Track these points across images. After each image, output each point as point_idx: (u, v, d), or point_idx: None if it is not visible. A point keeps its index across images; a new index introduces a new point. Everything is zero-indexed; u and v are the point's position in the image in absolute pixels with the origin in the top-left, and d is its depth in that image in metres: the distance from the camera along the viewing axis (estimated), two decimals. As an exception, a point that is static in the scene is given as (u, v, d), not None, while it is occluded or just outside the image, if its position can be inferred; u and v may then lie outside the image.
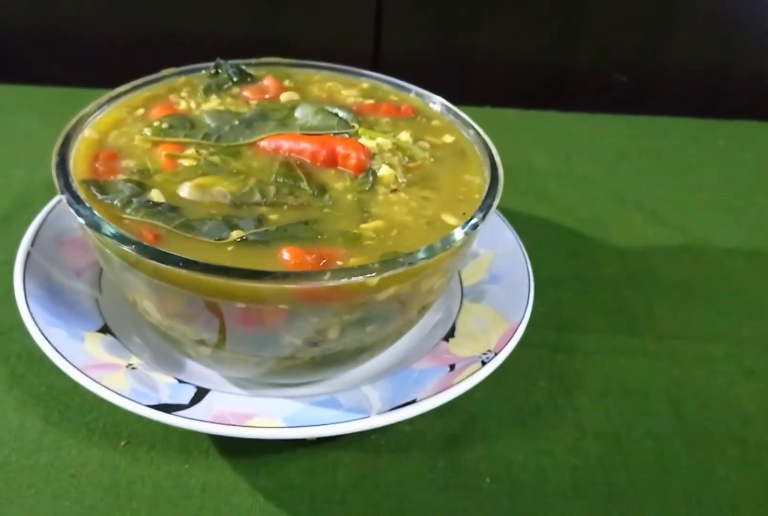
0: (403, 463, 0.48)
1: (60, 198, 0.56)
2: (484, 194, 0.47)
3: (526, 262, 0.56)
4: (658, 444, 0.51)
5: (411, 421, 0.51)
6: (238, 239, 0.42)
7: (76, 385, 0.50)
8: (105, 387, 0.44)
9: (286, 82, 0.57)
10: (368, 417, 0.44)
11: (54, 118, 0.77)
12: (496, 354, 0.48)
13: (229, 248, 0.41)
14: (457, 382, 0.46)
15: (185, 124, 0.50)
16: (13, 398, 0.50)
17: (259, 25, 0.90)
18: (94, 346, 0.48)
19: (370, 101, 0.56)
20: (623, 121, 0.90)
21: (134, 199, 0.43)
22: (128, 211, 0.43)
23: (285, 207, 0.45)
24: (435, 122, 0.54)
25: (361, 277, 0.40)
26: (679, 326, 0.61)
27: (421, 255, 0.41)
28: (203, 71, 0.57)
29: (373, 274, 0.40)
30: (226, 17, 0.89)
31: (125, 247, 0.40)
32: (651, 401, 0.54)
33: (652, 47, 0.94)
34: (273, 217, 0.44)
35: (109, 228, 0.40)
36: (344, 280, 0.39)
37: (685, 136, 0.88)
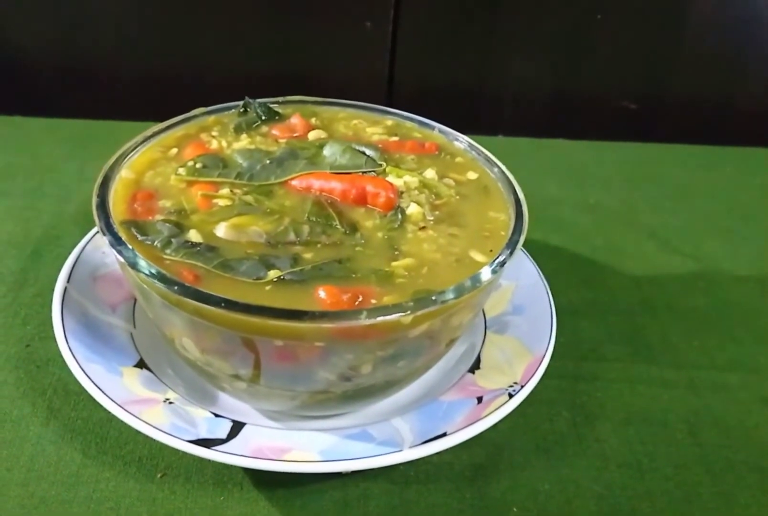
0: (432, 494, 0.50)
1: (94, 233, 0.58)
2: (510, 231, 0.48)
3: (548, 293, 0.58)
4: (679, 472, 0.53)
5: (438, 453, 0.52)
6: (275, 279, 0.43)
7: (111, 418, 0.52)
8: (146, 423, 0.45)
9: (313, 120, 0.58)
10: (401, 451, 0.45)
11: (79, 151, 0.80)
12: (522, 386, 0.50)
13: (267, 288, 0.43)
14: (486, 415, 0.48)
15: (218, 163, 0.52)
16: (52, 432, 0.51)
17: (276, 62, 0.92)
18: (132, 381, 0.49)
19: (395, 138, 0.57)
20: (632, 149, 0.92)
21: (173, 240, 0.45)
22: (168, 251, 0.44)
23: (318, 245, 0.46)
24: (459, 159, 0.56)
25: (395, 316, 0.41)
26: (695, 354, 0.62)
27: (452, 294, 0.42)
28: (232, 110, 0.58)
29: (408, 312, 0.41)
30: (244, 54, 0.91)
31: (167, 288, 0.41)
32: (671, 430, 0.56)
33: (660, 75, 0.96)
34: (307, 255, 0.45)
35: (151, 269, 0.42)
36: (380, 319, 0.41)
37: (694, 163, 0.90)
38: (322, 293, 0.42)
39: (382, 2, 0.88)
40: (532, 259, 0.61)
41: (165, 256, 0.44)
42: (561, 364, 0.59)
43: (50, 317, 0.53)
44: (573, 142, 0.92)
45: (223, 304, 0.40)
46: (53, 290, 0.54)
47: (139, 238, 0.45)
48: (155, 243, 0.45)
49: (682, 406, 0.58)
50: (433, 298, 0.42)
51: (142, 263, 0.42)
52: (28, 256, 0.65)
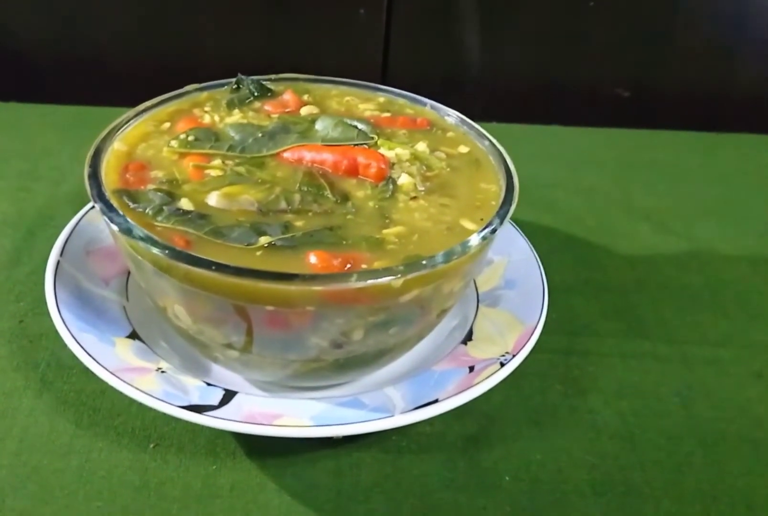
0: (424, 463, 0.50)
1: (88, 209, 0.58)
2: (500, 201, 0.49)
3: (540, 268, 0.58)
4: (671, 444, 0.53)
5: (431, 423, 0.52)
6: (266, 245, 0.43)
7: (104, 390, 0.52)
8: (137, 389, 0.45)
9: (306, 97, 0.59)
10: (393, 416, 0.45)
11: (73, 135, 0.81)
12: (514, 355, 0.50)
13: (258, 253, 0.43)
14: (477, 383, 0.48)
15: (210, 136, 0.52)
16: (44, 404, 0.51)
17: (269, 49, 0.92)
18: (125, 351, 0.49)
19: (387, 114, 0.57)
20: (626, 135, 0.92)
21: (165, 208, 0.45)
22: (159, 218, 0.45)
23: (310, 214, 0.46)
24: (450, 134, 0.56)
25: (386, 279, 0.41)
26: (688, 330, 0.62)
27: (442, 258, 0.43)
28: (225, 87, 0.58)
29: (398, 275, 0.41)
30: (238, 41, 0.91)
31: (158, 252, 0.41)
32: (663, 403, 0.56)
33: (653, 63, 0.96)
34: (298, 223, 0.45)
35: (142, 234, 0.42)
36: (370, 282, 0.41)
37: (688, 148, 0.90)
38: (313, 258, 0.43)
39: (376, -11, 0.88)
40: (524, 235, 0.61)
41: (156, 223, 0.44)
42: (553, 339, 0.59)
43: (44, 294, 0.53)
44: (566, 128, 0.92)
45: (213, 268, 0.40)
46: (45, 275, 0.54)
47: (131, 205, 0.45)
48: (147, 210, 0.45)
49: (675, 379, 0.58)
50: (424, 262, 0.42)
51: (134, 228, 0.42)
52: (22, 235, 0.65)
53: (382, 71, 0.94)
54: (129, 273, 0.57)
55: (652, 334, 0.62)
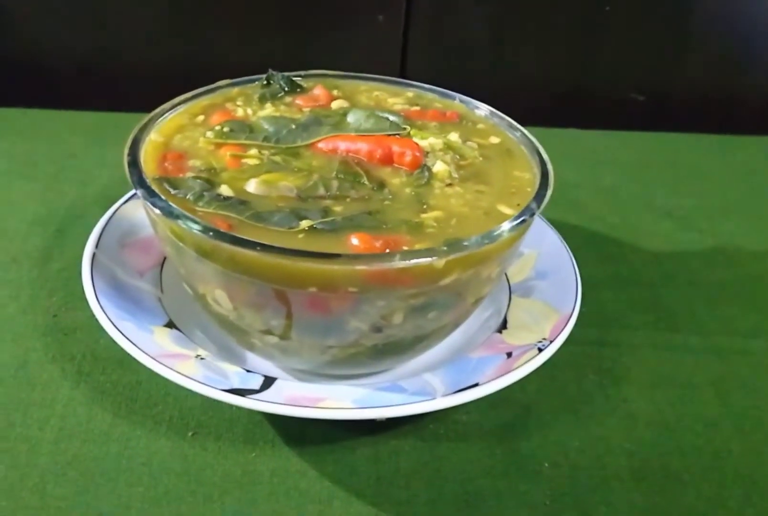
0: (463, 451, 0.50)
1: (121, 204, 0.59)
2: (536, 188, 0.49)
3: (571, 259, 0.58)
4: (708, 430, 0.53)
5: (467, 412, 0.52)
6: (307, 228, 0.44)
7: (141, 381, 0.53)
8: (180, 373, 0.45)
9: (335, 92, 0.59)
10: (434, 399, 0.45)
11: (97, 140, 0.81)
12: (551, 341, 0.50)
13: (300, 236, 0.43)
14: (517, 367, 0.48)
15: (245, 128, 0.52)
16: (81, 394, 0.51)
17: (288, 56, 0.93)
18: (163, 339, 0.49)
19: (416, 108, 0.58)
20: (644, 138, 0.93)
21: (205, 193, 0.45)
22: (200, 204, 0.45)
23: (348, 200, 0.47)
24: (480, 126, 0.57)
25: (429, 259, 0.41)
26: (719, 323, 0.62)
27: (485, 239, 0.43)
28: (256, 83, 0.59)
29: (441, 256, 0.42)
30: (258, 47, 0.92)
31: (202, 234, 0.41)
32: (698, 392, 0.56)
33: (668, 67, 0.97)
34: (337, 209, 0.46)
35: (186, 216, 0.42)
36: (413, 262, 0.41)
37: (707, 150, 0.91)
38: (354, 240, 0.43)
39: (395, -5, 0.90)
40: (554, 228, 0.62)
41: (198, 208, 0.44)
42: (585, 331, 0.59)
43: (76, 290, 0.53)
44: (584, 131, 0.93)
45: (258, 248, 0.41)
46: (78, 265, 0.54)
47: (172, 192, 0.46)
48: (187, 196, 0.45)
49: (708, 370, 0.58)
50: (466, 243, 0.43)
51: (177, 211, 0.43)
52: (52, 234, 0.66)
53: (400, 77, 0.94)
54: (162, 266, 0.57)
55: (683, 327, 0.62)
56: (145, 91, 0.90)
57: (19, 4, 0.88)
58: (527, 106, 0.99)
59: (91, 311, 0.50)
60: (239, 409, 0.50)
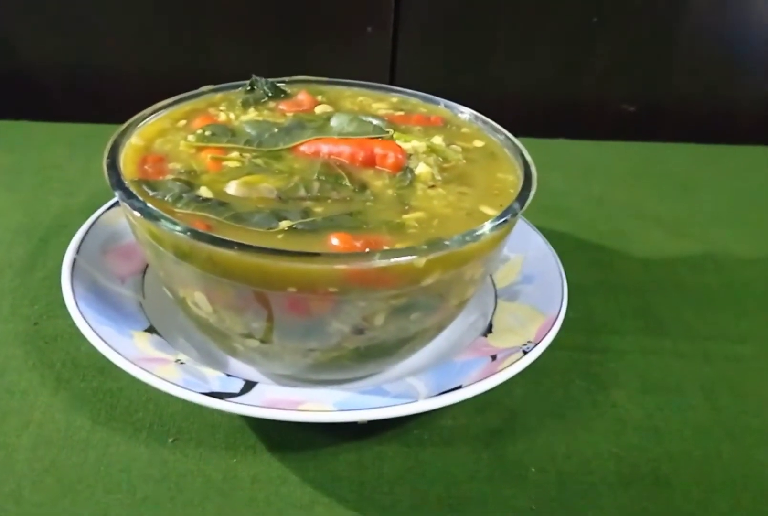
0: (448, 456, 0.49)
1: (103, 211, 0.58)
2: (518, 189, 0.49)
3: (557, 263, 0.58)
4: (698, 435, 0.52)
5: (453, 417, 0.51)
6: (287, 228, 0.43)
7: (121, 388, 0.52)
8: (158, 377, 0.44)
9: (319, 97, 0.59)
10: (417, 401, 0.45)
11: (82, 151, 0.81)
12: (536, 344, 0.49)
13: (279, 236, 0.43)
14: (501, 369, 0.47)
15: (227, 132, 0.52)
16: (60, 401, 0.51)
17: (277, 67, 0.92)
18: (143, 343, 0.49)
19: (401, 113, 0.58)
20: (634, 148, 0.93)
21: (184, 195, 0.45)
22: (179, 205, 0.44)
23: (329, 201, 0.46)
24: (464, 129, 0.57)
25: (409, 258, 0.41)
26: (708, 328, 0.62)
27: (466, 238, 0.42)
28: (239, 88, 0.59)
29: (421, 255, 0.41)
30: (246, 58, 0.92)
31: (180, 234, 0.41)
32: (687, 397, 0.55)
33: (657, 77, 0.97)
34: (318, 209, 0.45)
35: (163, 217, 0.42)
36: (393, 260, 0.40)
37: (696, 159, 0.91)
38: (334, 240, 0.42)
39: (383, 7, 0.90)
40: (540, 233, 0.61)
41: (176, 210, 0.44)
42: (572, 336, 0.58)
43: (57, 298, 0.52)
44: (573, 141, 0.92)
45: (236, 247, 0.40)
46: (61, 273, 0.54)
47: (150, 193, 0.45)
48: (166, 197, 0.45)
49: (697, 375, 0.57)
50: (447, 242, 0.42)
51: (154, 212, 0.42)
52: (36, 243, 0.65)
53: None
54: (145, 272, 0.56)
55: (672, 332, 0.61)
56: (131, 103, 0.90)
57: (2, 16, 0.88)
58: (517, 118, 0.98)
59: (72, 319, 0.49)
60: (220, 414, 0.50)
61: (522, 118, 0.98)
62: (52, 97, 0.93)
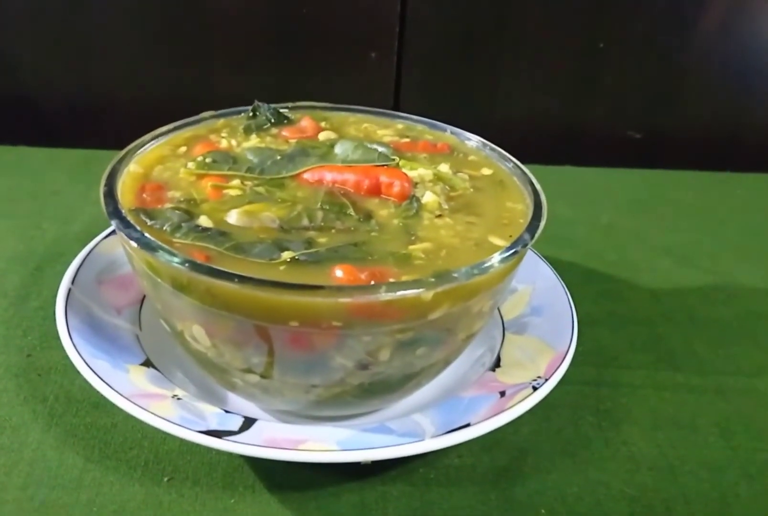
0: (455, 496, 0.47)
1: (99, 239, 0.57)
2: (528, 219, 0.47)
3: (566, 293, 0.56)
4: (714, 475, 0.50)
5: (459, 455, 0.50)
6: (290, 259, 0.42)
7: (116, 424, 0.50)
8: (154, 414, 0.42)
9: (323, 124, 0.58)
10: (423, 440, 0.43)
11: (81, 178, 0.80)
12: (546, 379, 0.48)
13: (281, 268, 0.41)
14: (510, 407, 0.45)
15: (228, 159, 0.51)
16: (53, 437, 0.49)
17: (281, 93, 0.92)
18: (139, 378, 0.47)
19: (406, 139, 0.57)
20: (641, 175, 0.92)
21: (183, 225, 0.44)
22: (178, 235, 0.43)
23: (333, 231, 0.45)
24: (472, 157, 0.55)
25: (416, 291, 0.39)
26: (721, 362, 0.60)
27: (474, 270, 0.41)
28: (241, 114, 0.58)
29: (428, 287, 0.40)
30: (249, 84, 0.91)
31: (179, 266, 0.39)
32: (702, 434, 0.53)
33: (664, 104, 0.96)
34: (321, 240, 0.44)
35: (161, 247, 0.40)
36: (400, 293, 0.39)
37: (704, 187, 0.90)
38: (338, 272, 0.41)
39: (387, 33, 0.89)
40: (548, 263, 0.60)
41: (175, 240, 0.43)
42: (582, 370, 0.57)
43: (51, 329, 0.51)
44: (580, 168, 0.91)
45: (236, 280, 0.38)
46: (55, 302, 0.52)
47: (148, 223, 0.44)
48: (164, 227, 0.43)
49: (712, 410, 0.55)
50: (455, 274, 0.40)
51: (151, 242, 0.41)
52: (31, 271, 0.64)
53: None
54: (142, 303, 0.55)
55: (684, 366, 0.59)
56: (131, 129, 0.90)
57: (3, 41, 0.87)
58: (523, 145, 0.97)
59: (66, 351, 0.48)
60: (218, 452, 0.48)
61: (529, 145, 0.98)
62: (51, 122, 0.92)
